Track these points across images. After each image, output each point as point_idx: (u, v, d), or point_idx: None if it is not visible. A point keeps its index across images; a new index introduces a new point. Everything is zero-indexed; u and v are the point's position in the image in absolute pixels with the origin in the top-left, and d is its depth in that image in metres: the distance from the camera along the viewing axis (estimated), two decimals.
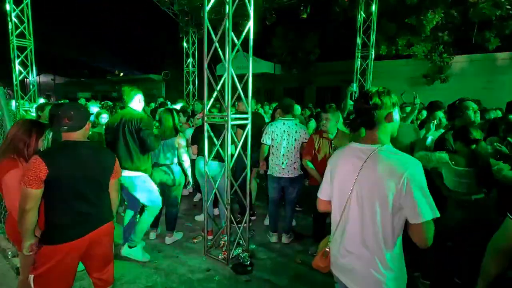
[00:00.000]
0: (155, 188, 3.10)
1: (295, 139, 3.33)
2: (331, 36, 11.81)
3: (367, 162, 1.30)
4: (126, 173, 2.87)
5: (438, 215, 1.21)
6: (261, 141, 3.45)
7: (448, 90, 8.53)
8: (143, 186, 3.01)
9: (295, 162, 3.36)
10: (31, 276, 1.71)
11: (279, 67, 14.26)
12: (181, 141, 3.33)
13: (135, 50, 15.51)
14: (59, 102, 6.75)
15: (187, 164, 3.39)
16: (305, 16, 7.89)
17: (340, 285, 1.55)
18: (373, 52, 7.63)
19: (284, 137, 3.33)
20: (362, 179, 1.32)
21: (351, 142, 1.45)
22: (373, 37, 7.46)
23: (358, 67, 7.75)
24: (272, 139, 3.37)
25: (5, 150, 1.93)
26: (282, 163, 3.34)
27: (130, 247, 3.09)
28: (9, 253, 3.05)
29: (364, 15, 7.43)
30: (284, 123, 3.36)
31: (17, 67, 7.67)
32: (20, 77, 7.80)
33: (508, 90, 8.27)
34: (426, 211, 1.20)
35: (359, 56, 7.69)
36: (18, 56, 7.60)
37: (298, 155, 3.36)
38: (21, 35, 7.53)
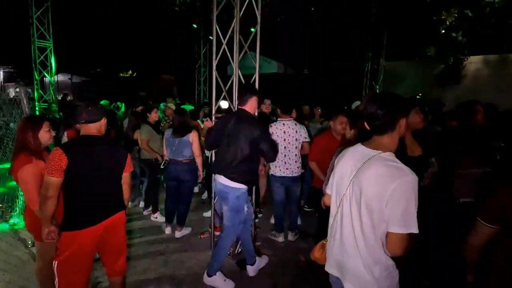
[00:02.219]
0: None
1: (296, 139, 3.39)
2: (343, 36, 11.75)
3: (364, 166, 1.34)
4: None
5: (415, 231, 1.22)
6: None
7: (461, 92, 8.38)
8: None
9: (296, 161, 3.43)
10: (55, 263, 1.87)
11: (290, 68, 14.29)
12: (195, 138, 3.49)
13: (148, 50, 15.81)
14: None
15: (200, 159, 3.56)
16: (315, 16, 7.91)
17: (333, 277, 1.61)
18: (384, 53, 7.59)
19: (285, 137, 3.39)
20: (356, 181, 1.36)
21: (358, 144, 1.49)
22: (384, 38, 7.43)
23: (369, 68, 7.72)
24: None
25: (16, 149, 2.10)
26: (285, 162, 3.42)
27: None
28: (29, 242, 3.26)
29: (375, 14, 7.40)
30: (284, 124, 3.41)
31: (37, 68, 8.02)
32: (40, 77, 8.16)
33: None
34: (403, 223, 1.22)
35: (370, 57, 7.66)
36: (39, 57, 7.95)
37: (299, 154, 3.44)
38: (42, 37, 7.88)
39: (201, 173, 3.67)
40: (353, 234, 1.38)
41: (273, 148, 2.60)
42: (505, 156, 2.35)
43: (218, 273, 2.70)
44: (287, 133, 3.38)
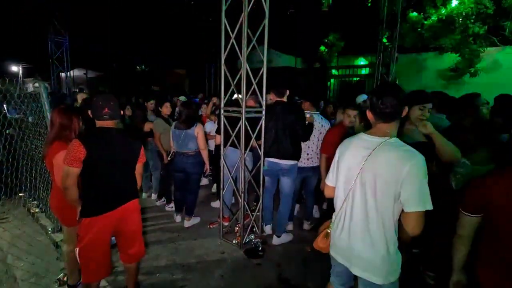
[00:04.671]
0: None
1: (320, 132, 3.46)
2: (355, 28, 11.54)
3: (375, 152, 1.41)
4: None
5: (430, 208, 1.31)
6: None
7: (478, 85, 8.11)
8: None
9: (317, 153, 3.51)
10: (77, 249, 2.01)
11: (300, 61, 14.16)
12: (200, 131, 3.55)
13: (161, 45, 15.97)
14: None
15: (205, 153, 3.62)
16: (326, 8, 7.81)
17: (338, 267, 1.68)
18: (396, 45, 7.43)
19: None
20: (367, 167, 1.43)
21: (361, 133, 1.55)
22: (397, 29, 7.26)
23: (381, 61, 7.58)
24: None
25: (55, 135, 2.24)
26: (307, 154, 3.49)
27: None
28: (49, 229, 3.45)
29: (388, 5, 7.23)
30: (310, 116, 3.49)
31: (54, 63, 8.30)
32: (57, 72, 8.44)
33: None
34: (419, 202, 1.31)
35: (382, 49, 7.52)
36: (55, 53, 8.21)
37: (319, 146, 3.49)
38: (58, 33, 8.12)
39: (207, 166, 3.74)
40: (365, 221, 1.46)
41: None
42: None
43: (284, 233, 3.43)
44: (313, 125, 3.45)
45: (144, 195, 4.69)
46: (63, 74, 9.33)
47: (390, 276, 1.45)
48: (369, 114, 1.51)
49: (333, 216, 1.67)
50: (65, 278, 2.59)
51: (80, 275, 2.48)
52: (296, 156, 3.28)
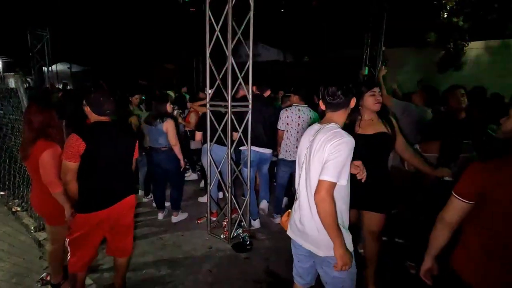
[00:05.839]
0: None
1: (298, 124, 3.46)
2: (342, 22, 11.56)
3: (315, 137, 1.55)
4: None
5: (344, 183, 1.44)
6: (277, 127, 3.62)
7: (462, 78, 8.28)
8: None
9: (296, 146, 3.49)
10: (67, 240, 1.99)
11: (289, 55, 14.13)
12: (169, 126, 3.45)
13: (149, 39, 15.62)
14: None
15: (177, 148, 3.53)
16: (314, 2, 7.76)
17: (295, 247, 1.77)
18: (382, 39, 7.49)
19: (299, 122, 3.47)
20: (308, 152, 1.58)
21: (315, 124, 1.67)
22: (383, 24, 7.31)
23: (368, 55, 7.63)
24: (287, 124, 3.51)
25: (38, 134, 2.14)
26: (297, 147, 3.46)
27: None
28: (32, 228, 3.37)
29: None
30: (299, 109, 3.50)
31: (35, 57, 8.01)
32: (37, 66, 8.15)
33: None
34: (332, 173, 1.40)
35: (369, 43, 7.56)
36: (36, 46, 7.92)
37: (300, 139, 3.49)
38: (39, 26, 7.83)
39: (182, 162, 3.65)
40: (307, 198, 1.57)
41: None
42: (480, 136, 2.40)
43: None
44: (302, 118, 3.47)
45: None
46: (45, 69, 9.02)
47: (332, 250, 1.49)
48: (321, 104, 1.62)
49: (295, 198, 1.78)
50: (48, 277, 2.53)
51: (64, 273, 2.44)
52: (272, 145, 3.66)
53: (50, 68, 8.44)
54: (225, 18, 2.92)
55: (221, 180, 3.43)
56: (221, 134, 3.25)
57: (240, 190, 4.32)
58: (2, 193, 3.94)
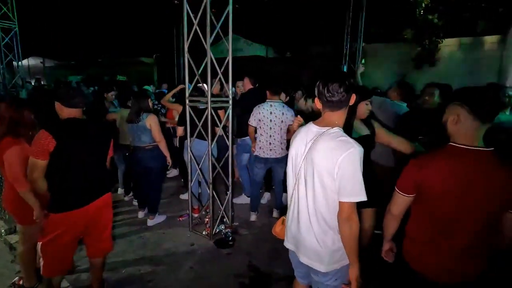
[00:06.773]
0: None
1: (282, 121, 3.40)
2: (324, 18, 11.67)
3: (314, 142, 1.40)
4: None
5: (364, 198, 1.30)
6: (248, 123, 3.56)
7: (436, 74, 8.59)
8: None
9: (281, 143, 3.48)
10: (39, 244, 1.89)
11: (271, 50, 14.11)
12: (152, 122, 3.30)
13: (126, 33, 15.13)
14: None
15: (162, 144, 3.40)
16: None
17: (290, 254, 1.71)
18: (362, 35, 7.64)
19: (271, 118, 3.41)
20: (308, 157, 1.43)
21: (310, 123, 1.52)
22: (361, 20, 7.45)
23: (348, 50, 7.75)
24: (259, 120, 3.46)
25: (5, 131, 2.07)
26: (270, 143, 3.47)
27: None
28: (3, 231, 3.21)
29: None
30: (271, 105, 3.42)
31: (2, 50, 7.56)
32: (6, 60, 7.71)
33: (495, 75, 8.34)
34: (351, 192, 1.30)
35: (349, 39, 7.69)
36: (3, 39, 7.47)
37: (285, 136, 3.47)
38: (5, 17, 7.38)
39: (169, 159, 3.53)
40: (307, 209, 1.46)
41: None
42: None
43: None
44: (274, 114, 3.39)
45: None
46: (15, 63, 8.53)
47: (335, 264, 1.45)
48: (317, 102, 1.46)
49: (288, 205, 1.65)
50: (21, 282, 2.43)
51: (37, 277, 2.35)
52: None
53: (20, 62, 7.99)
54: (203, 12, 2.87)
55: (201, 176, 3.40)
56: (201, 129, 3.21)
57: (222, 187, 4.31)
58: None
